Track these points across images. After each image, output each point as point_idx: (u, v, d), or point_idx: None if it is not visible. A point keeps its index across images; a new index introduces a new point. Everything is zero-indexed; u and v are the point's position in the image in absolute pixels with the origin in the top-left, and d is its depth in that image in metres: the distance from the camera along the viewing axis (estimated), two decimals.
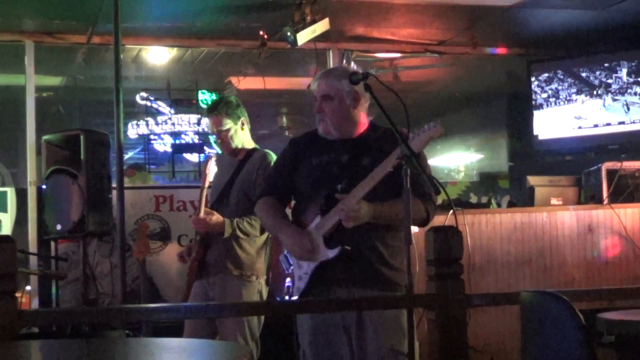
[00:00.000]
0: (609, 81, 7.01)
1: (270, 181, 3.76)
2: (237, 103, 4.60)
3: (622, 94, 6.97)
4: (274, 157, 4.53)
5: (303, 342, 3.56)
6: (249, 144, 4.62)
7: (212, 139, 8.02)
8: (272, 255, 3.64)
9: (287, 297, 3.51)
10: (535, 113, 7.29)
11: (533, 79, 7.32)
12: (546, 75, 7.27)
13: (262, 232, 4.41)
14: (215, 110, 4.53)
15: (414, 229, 3.39)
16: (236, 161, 4.57)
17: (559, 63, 7.30)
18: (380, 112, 3.32)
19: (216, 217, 4.35)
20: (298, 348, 3.66)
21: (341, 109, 3.53)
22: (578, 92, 7.13)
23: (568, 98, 7.18)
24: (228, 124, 4.52)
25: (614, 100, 7.01)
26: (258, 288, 4.46)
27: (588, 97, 7.10)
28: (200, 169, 8.33)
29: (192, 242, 4.61)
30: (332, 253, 3.39)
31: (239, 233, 4.36)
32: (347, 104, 3.53)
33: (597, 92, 7.08)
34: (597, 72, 7.07)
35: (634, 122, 6.91)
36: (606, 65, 7.04)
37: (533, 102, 7.31)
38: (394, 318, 3.38)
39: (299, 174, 3.61)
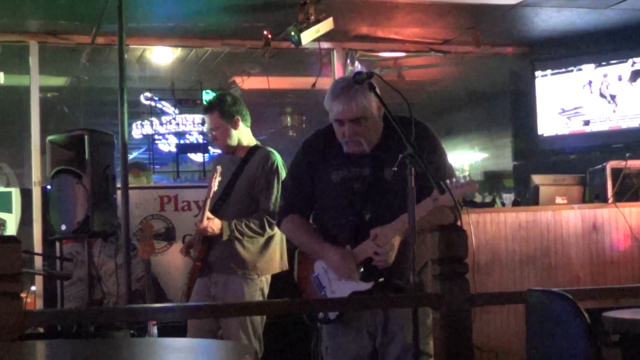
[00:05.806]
0: (613, 80, 7.00)
1: (290, 196, 3.60)
2: (232, 101, 4.56)
3: (626, 92, 6.96)
4: (277, 155, 4.52)
5: (324, 342, 3.55)
6: (248, 141, 4.60)
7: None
8: (301, 272, 3.58)
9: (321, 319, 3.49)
10: (540, 111, 7.27)
11: (537, 77, 7.30)
12: (550, 73, 7.25)
13: (262, 234, 4.41)
14: (209, 110, 4.55)
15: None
16: (238, 159, 4.57)
17: (562, 62, 7.28)
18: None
19: (215, 222, 4.37)
20: (316, 344, 3.64)
21: (375, 126, 3.42)
22: (581, 91, 7.12)
23: (571, 96, 7.16)
24: (219, 122, 4.52)
25: (618, 98, 6.99)
26: (260, 286, 4.47)
27: (591, 95, 7.08)
28: (204, 169, 8.32)
29: (194, 238, 4.60)
30: (366, 286, 3.36)
31: (237, 235, 4.37)
32: (377, 117, 3.40)
33: (600, 91, 7.06)
34: (601, 71, 7.05)
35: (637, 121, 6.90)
36: (611, 63, 7.02)
37: (537, 101, 7.30)
38: (420, 318, 3.33)
39: (319, 189, 3.51)
